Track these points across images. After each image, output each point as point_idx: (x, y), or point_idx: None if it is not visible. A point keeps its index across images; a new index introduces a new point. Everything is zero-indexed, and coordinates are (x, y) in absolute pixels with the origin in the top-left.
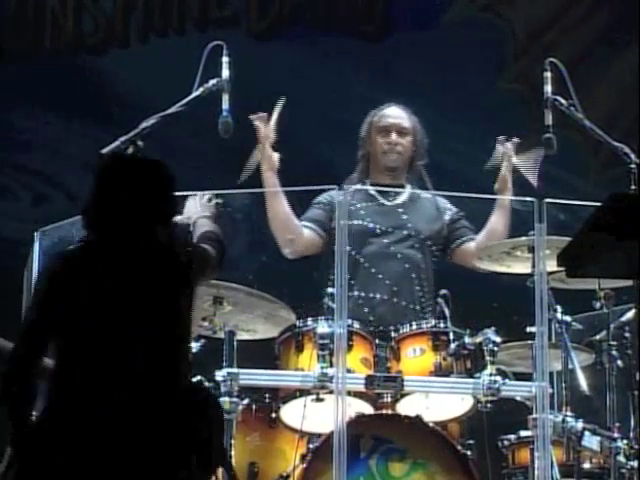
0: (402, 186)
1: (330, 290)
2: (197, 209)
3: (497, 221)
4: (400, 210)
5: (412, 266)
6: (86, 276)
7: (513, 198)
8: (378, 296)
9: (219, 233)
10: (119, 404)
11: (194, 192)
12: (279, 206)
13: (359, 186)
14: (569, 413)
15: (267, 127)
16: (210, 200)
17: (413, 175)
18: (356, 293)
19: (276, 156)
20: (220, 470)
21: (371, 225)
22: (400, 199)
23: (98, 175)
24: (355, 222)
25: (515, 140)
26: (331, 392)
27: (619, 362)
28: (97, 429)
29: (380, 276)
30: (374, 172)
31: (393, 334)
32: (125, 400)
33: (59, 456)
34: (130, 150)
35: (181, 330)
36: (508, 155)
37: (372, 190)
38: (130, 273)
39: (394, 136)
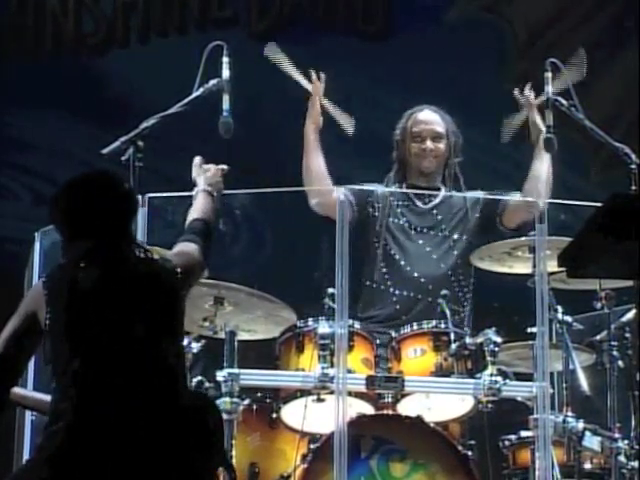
0: (438, 188)
1: (331, 290)
2: (202, 179)
3: (539, 165)
4: (434, 212)
5: (447, 267)
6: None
7: (513, 199)
8: (412, 294)
9: (208, 219)
10: (121, 414)
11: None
12: (317, 159)
13: (358, 186)
14: (570, 413)
15: (318, 84)
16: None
17: (448, 175)
18: (390, 290)
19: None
20: (221, 471)
21: (407, 224)
22: (434, 202)
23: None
24: (394, 220)
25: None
26: (332, 392)
27: (620, 362)
28: (99, 440)
29: (415, 275)
30: (410, 175)
31: (394, 334)
32: (128, 409)
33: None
34: (130, 150)
35: (176, 338)
36: (529, 102)
37: (409, 192)
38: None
39: (429, 142)
